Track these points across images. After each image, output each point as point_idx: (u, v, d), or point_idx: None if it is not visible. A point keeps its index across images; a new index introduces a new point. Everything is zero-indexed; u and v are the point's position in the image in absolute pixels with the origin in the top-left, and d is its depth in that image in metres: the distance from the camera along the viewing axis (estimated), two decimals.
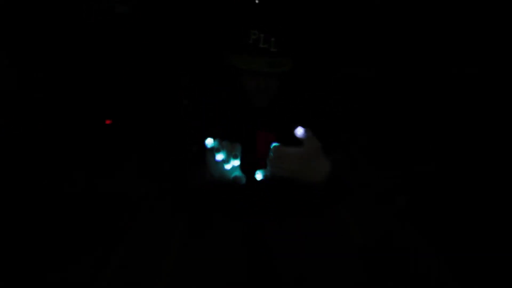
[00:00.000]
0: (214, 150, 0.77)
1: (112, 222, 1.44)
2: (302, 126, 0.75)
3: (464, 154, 1.69)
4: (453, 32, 2.08)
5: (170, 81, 2.02)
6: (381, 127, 1.82)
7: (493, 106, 1.86)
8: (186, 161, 1.09)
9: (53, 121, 1.94)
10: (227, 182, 0.82)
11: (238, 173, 0.82)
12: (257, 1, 0.95)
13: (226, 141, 0.80)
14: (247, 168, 0.86)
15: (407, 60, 2.13)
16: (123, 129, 2.02)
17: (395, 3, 2.14)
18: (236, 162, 0.81)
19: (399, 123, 1.94)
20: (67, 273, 1.23)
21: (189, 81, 1.15)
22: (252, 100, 1.01)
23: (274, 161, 0.78)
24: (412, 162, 1.70)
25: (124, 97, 2.12)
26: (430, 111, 1.99)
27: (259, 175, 0.80)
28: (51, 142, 1.87)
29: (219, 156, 0.78)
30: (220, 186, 0.87)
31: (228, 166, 0.80)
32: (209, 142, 0.77)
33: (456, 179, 1.59)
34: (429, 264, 1.13)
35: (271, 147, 0.79)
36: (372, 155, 1.60)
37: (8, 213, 1.51)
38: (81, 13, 1.97)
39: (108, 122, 1.87)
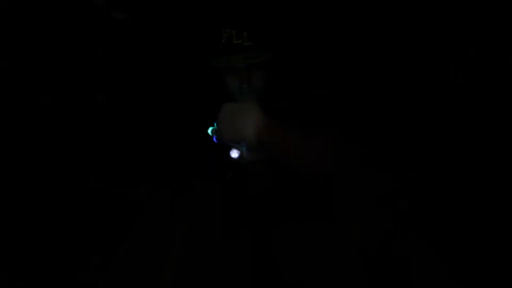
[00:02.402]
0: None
1: (114, 224, 1.44)
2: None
3: (464, 156, 1.70)
4: (451, 33, 2.08)
5: (167, 83, 2.03)
6: (381, 128, 1.82)
7: (493, 108, 1.86)
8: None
9: (53, 123, 1.95)
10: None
11: None
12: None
13: None
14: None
15: (407, 59, 2.13)
16: (125, 131, 2.02)
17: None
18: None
19: (399, 124, 1.94)
20: (69, 274, 1.23)
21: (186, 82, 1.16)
22: (239, 99, 1.01)
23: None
24: (412, 165, 1.71)
25: (125, 99, 2.13)
26: (430, 112, 1.99)
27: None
28: (51, 144, 1.88)
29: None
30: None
31: None
32: None
33: (455, 181, 1.60)
34: (429, 265, 1.14)
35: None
36: (372, 157, 1.60)
37: (9, 214, 1.51)
38: (78, 19, 1.98)
39: None
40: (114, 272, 1.19)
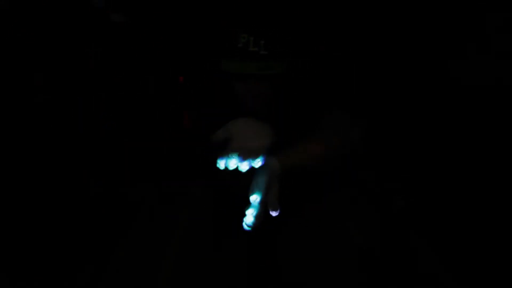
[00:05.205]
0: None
1: (110, 225, 1.44)
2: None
3: (463, 155, 1.69)
4: (453, 33, 2.08)
5: (167, 84, 2.03)
6: (380, 129, 1.82)
7: (493, 106, 1.86)
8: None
9: (53, 123, 1.95)
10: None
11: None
12: None
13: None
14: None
15: (407, 61, 2.13)
16: (122, 131, 2.03)
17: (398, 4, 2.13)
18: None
19: (398, 124, 1.94)
20: (65, 276, 1.23)
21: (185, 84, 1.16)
22: (247, 105, 1.00)
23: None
24: (411, 164, 1.70)
25: (123, 100, 2.13)
26: (431, 112, 1.99)
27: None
28: (50, 144, 1.88)
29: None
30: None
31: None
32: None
33: (455, 180, 1.59)
34: (428, 264, 1.13)
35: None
36: (370, 156, 1.60)
37: (7, 214, 1.51)
38: (76, 21, 1.98)
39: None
40: (112, 271, 1.18)
